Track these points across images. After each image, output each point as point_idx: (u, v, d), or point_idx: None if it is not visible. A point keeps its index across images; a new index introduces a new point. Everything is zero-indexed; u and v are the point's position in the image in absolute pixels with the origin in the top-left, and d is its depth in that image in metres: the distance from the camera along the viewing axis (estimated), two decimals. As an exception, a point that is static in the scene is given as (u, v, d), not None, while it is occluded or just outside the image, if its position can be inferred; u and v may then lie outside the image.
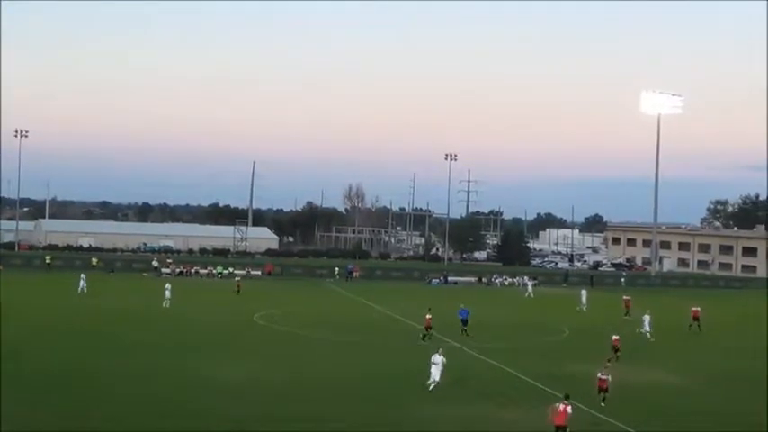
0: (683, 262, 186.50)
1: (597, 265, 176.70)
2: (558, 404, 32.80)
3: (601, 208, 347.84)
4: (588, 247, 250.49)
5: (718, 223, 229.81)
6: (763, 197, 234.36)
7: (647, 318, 64.64)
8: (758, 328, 72.50)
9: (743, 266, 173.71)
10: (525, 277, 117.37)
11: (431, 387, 41.05)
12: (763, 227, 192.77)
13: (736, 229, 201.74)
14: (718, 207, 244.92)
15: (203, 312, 70.69)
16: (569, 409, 32.46)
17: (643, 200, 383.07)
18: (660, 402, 41.40)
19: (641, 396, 42.21)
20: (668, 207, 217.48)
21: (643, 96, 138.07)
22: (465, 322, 61.87)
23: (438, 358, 42.04)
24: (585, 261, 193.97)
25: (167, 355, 49.04)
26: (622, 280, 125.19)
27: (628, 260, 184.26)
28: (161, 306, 71.90)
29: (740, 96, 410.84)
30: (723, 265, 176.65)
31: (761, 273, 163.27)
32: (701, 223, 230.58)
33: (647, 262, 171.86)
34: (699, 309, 69.80)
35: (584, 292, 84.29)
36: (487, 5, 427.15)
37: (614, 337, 53.39)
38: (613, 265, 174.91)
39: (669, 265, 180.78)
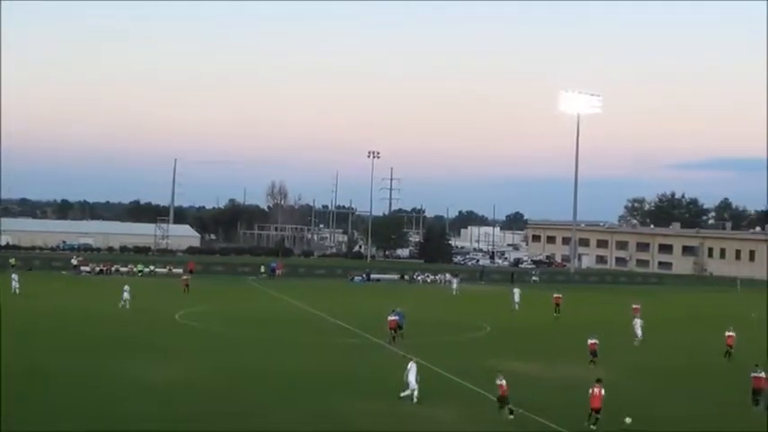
0: (601, 259, 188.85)
1: (518, 262, 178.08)
2: (593, 388, 34.73)
3: (522, 206, 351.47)
4: (509, 245, 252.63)
5: (635, 221, 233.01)
6: (678, 195, 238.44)
7: (638, 322, 63.55)
8: (694, 326, 73.93)
9: (659, 263, 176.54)
10: (448, 274, 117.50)
11: (405, 394, 39.17)
12: (678, 224, 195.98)
13: (652, 226, 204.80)
14: (636, 205, 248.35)
15: (125, 311, 69.47)
16: (602, 391, 34.64)
17: (563, 198, 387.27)
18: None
19: (562, 391, 42.28)
20: (587, 205, 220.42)
21: (562, 96, 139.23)
22: (400, 327, 57.57)
23: (412, 366, 40.10)
24: (506, 258, 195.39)
25: (92, 355, 48.07)
26: (534, 278, 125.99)
27: (548, 257, 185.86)
28: (111, 305, 70.63)
29: (658, 96, 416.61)
30: (640, 262, 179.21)
31: (676, 269, 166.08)
32: (619, 221, 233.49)
33: (566, 259, 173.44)
34: (638, 306, 70.19)
35: (516, 291, 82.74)
36: (403, 5, 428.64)
37: (591, 341, 51.35)
38: (533, 261, 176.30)
39: (588, 261, 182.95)
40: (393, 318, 57.16)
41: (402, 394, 39.07)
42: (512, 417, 35.42)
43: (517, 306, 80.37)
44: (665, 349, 59.19)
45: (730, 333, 55.09)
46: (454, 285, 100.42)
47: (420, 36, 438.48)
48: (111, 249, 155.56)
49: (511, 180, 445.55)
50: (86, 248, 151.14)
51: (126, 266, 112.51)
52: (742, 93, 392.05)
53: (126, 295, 71.70)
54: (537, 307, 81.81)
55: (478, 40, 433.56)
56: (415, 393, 38.65)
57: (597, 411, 34.38)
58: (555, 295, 78.39)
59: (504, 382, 36.31)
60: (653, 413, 38.59)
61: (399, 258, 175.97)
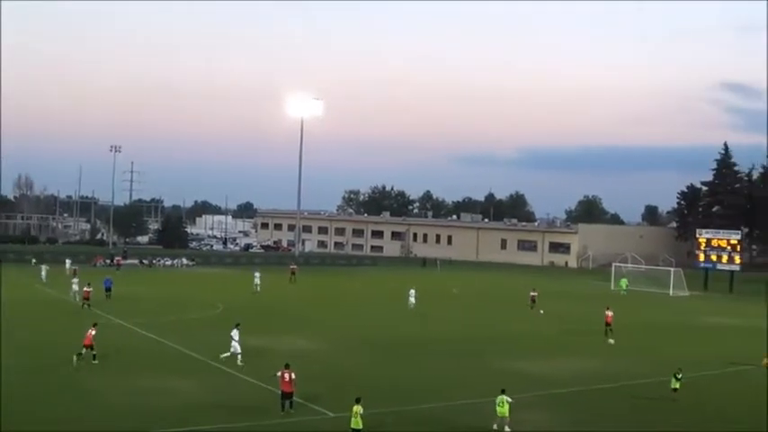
0: (322, 243, 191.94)
1: (248, 247, 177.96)
2: (282, 372, 32.30)
3: (252, 196, 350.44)
4: (240, 231, 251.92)
5: (351, 210, 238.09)
6: (388, 188, 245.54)
7: (412, 292, 68.27)
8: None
9: (372, 247, 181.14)
10: (184, 258, 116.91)
11: (226, 357, 41.20)
12: (388, 213, 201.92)
13: (366, 215, 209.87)
14: (352, 196, 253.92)
15: None
16: (293, 375, 32.37)
17: (289, 189, 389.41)
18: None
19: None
20: (310, 195, 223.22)
21: (288, 99, 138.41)
22: (108, 290, 66.98)
23: (235, 333, 41.85)
24: (238, 244, 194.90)
25: None
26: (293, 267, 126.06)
27: (275, 242, 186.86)
28: None
29: (372, 94, 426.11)
30: (355, 246, 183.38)
31: (387, 252, 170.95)
32: (337, 210, 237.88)
33: (291, 244, 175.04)
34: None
35: (257, 274, 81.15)
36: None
37: (608, 312, 56.01)
38: (263, 247, 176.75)
39: (310, 246, 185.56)
40: (88, 289, 62.07)
41: (222, 355, 40.83)
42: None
43: (258, 288, 79.01)
44: (376, 322, 61.18)
45: (609, 312, 56.41)
46: (184, 263, 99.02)
47: (151, 34, 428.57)
48: None
49: (242, 171, 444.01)
50: None
51: None
52: (439, 100, 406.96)
53: (75, 286, 66.30)
54: (277, 288, 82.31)
55: (215, 36, 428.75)
56: (239, 357, 40.76)
57: (290, 396, 31.95)
58: (292, 266, 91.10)
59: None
60: (365, 379, 39.67)
61: (140, 245, 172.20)
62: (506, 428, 30.49)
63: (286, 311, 64.90)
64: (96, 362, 39.94)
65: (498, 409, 30.59)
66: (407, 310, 66.59)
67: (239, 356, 41.07)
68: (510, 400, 30.68)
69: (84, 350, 40.25)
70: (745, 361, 48.30)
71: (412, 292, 68.15)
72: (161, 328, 52.20)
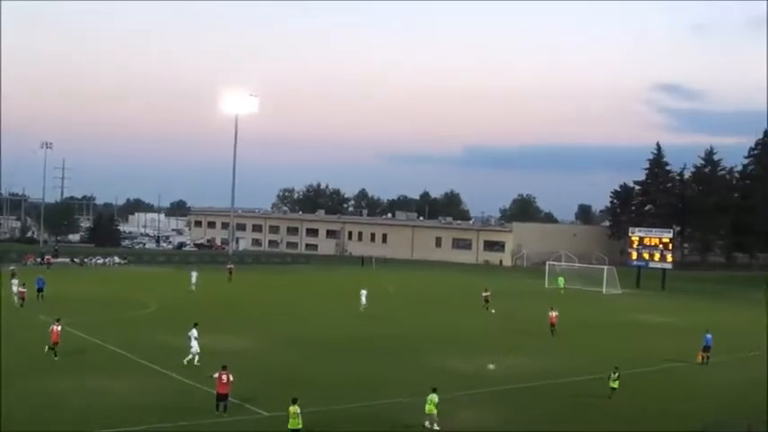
0: (256, 242, 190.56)
1: (181, 245, 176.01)
2: (220, 374, 31.97)
3: (186, 193, 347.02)
4: (173, 230, 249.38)
5: (285, 208, 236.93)
6: (323, 186, 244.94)
7: (364, 292, 66.84)
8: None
9: (307, 245, 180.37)
10: (116, 257, 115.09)
11: (188, 360, 40.19)
12: (323, 211, 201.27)
13: (301, 213, 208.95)
14: (287, 194, 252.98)
15: None
16: (230, 377, 32.06)
17: (223, 186, 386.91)
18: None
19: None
20: (245, 193, 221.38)
21: (222, 96, 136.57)
22: (40, 290, 65.19)
23: (194, 332, 41.22)
24: (171, 242, 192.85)
25: None
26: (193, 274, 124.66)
27: (209, 240, 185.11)
28: None
29: (308, 92, 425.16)
30: (290, 244, 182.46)
31: (321, 250, 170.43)
32: (272, 208, 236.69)
33: (225, 242, 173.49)
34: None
35: (194, 273, 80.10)
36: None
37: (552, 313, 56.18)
38: (196, 245, 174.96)
39: (244, 244, 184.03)
40: (22, 290, 61.96)
41: (185, 360, 39.88)
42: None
43: (194, 287, 77.72)
44: (312, 321, 60.86)
45: (553, 313, 56.44)
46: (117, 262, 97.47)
47: (84, 31, 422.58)
48: None
49: (176, 169, 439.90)
50: None
51: None
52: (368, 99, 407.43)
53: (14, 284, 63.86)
54: (213, 287, 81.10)
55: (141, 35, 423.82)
56: (197, 357, 40.08)
57: (225, 397, 31.67)
58: (229, 265, 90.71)
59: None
60: (300, 377, 39.40)
61: (71, 243, 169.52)
62: (435, 426, 30.65)
63: (223, 310, 63.95)
64: (57, 358, 40.68)
65: (427, 407, 30.81)
66: (358, 309, 65.30)
67: (197, 356, 40.45)
68: (437, 399, 30.82)
69: (53, 345, 41.34)
70: (679, 358, 48.90)
71: (363, 292, 67.11)
72: (93, 328, 51.14)
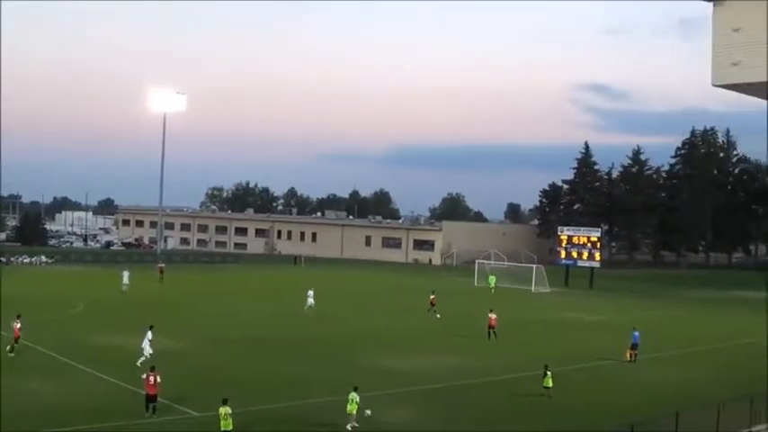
0: (184, 240, 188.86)
1: (109, 244, 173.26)
2: (148, 375, 31.59)
3: (113, 192, 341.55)
4: (101, 228, 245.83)
5: (214, 207, 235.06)
6: (252, 185, 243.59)
7: (311, 293, 65.64)
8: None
9: (235, 244, 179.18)
10: (43, 256, 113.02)
11: (142, 362, 39.10)
12: (252, 210, 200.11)
13: (230, 212, 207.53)
14: (215, 192, 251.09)
15: None
16: (158, 378, 31.53)
17: (151, 184, 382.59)
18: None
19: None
20: (173, 192, 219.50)
21: (150, 93, 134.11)
22: None
23: (149, 334, 40.96)
24: (98, 241, 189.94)
25: None
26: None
27: (137, 239, 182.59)
28: None
29: (237, 91, 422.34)
30: (219, 243, 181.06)
31: (251, 249, 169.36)
32: (201, 207, 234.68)
33: (153, 241, 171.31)
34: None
35: (126, 273, 77.71)
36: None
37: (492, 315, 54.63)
38: (124, 244, 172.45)
39: (173, 243, 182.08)
40: None
41: (138, 362, 39.08)
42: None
43: (125, 287, 75.52)
44: (244, 320, 60.47)
45: (493, 315, 55.11)
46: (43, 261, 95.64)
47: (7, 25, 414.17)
48: None
49: (103, 167, 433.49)
50: None
51: None
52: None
53: None
54: (144, 287, 79.39)
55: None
56: (143, 358, 39.52)
57: (154, 399, 31.28)
58: (160, 264, 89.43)
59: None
60: (231, 378, 39.10)
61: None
62: (352, 424, 30.58)
63: (155, 310, 62.84)
64: (12, 355, 41.32)
65: (348, 406, 30.78)
66: (302, 309, 64.10)
67: (141, 358, 39.72)
68: (357, 398, 30.76)
69: (15, 343, 42.04)
70: (608, 356, 49.42)
71: (310, 293, 65.81)
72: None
